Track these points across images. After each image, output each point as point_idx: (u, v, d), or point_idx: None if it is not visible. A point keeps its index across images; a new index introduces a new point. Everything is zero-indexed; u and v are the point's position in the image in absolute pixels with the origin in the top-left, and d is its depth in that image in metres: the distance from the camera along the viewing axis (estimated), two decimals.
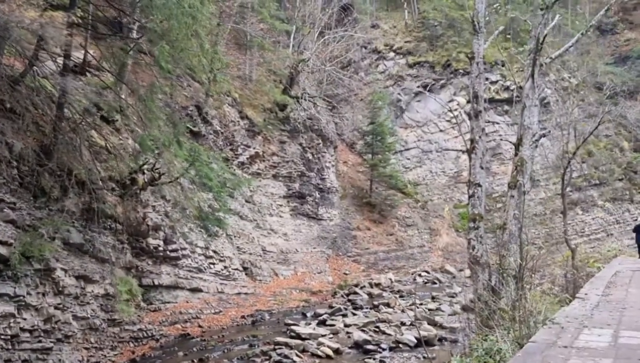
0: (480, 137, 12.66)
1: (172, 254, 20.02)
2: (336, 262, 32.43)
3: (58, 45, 13.44)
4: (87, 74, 19.07)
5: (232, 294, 23.10)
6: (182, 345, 17.55)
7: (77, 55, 19.29)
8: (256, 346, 17.16)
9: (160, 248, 19.35)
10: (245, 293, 23.81)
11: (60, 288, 13.53)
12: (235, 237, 25.37)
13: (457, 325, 17.91)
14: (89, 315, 14.76)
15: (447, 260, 35.59)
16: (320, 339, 16.89)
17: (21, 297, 12.15)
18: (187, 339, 18.31)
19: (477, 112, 12.72)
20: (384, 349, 16.47)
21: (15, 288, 12.07)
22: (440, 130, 42.76)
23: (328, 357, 15.93)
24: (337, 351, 16.31)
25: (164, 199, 19.98)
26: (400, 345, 16.33)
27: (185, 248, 20.89)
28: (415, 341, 16.28)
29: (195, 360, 15.73)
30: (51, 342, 12.91)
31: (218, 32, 22.62)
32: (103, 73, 19.24)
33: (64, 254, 14.23)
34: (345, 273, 31.39)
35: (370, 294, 25.83)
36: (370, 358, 15.63)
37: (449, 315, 20.66)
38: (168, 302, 19.58)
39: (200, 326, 19.56)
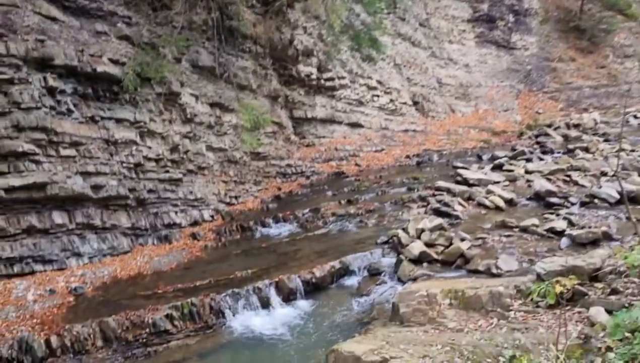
0: None
1: (328, 84, 17.87)
2: (528, 98, 27.77)
3: None
4: None
5: (398, 131, 20.66)
6: (334, 183, 15.96)
7: None
8: (415, 190, 14.84)
9: (314, 77, 17.25)
10: (414, 131, 21.20)
11: (189, 116, 12.26)
12: (405, 66, 22.23)
13: None
14: (226, 147, 13.55)
15: None
16: (491, 187, 13.88)
17: (142, 123, 11.04)
18: (341, 178, 16.68)
19: None
20: (572, 203, 12.94)
21: (135, 113, 10.94)
22: None
23: (497, 208, 12.96)
24: (510, 202, 13.26)
25: (317, 19, 17.39)
26: (596, 201, 12.63)
27: (343, 78, 18.56)
28: (617, 197, 12.46)
29: (343, 201, 14.02)
30: (180, 172, 11.94)
31: None
32: None
33: (194, 78, 12.80)
34: (537, 112, 26.81)
35: (565, 136, 21.42)
36: (552, 213, 12.30)
37: None
38: (323, 137, 17.87)
39: (357, 164, 17.72)
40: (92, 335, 7.99)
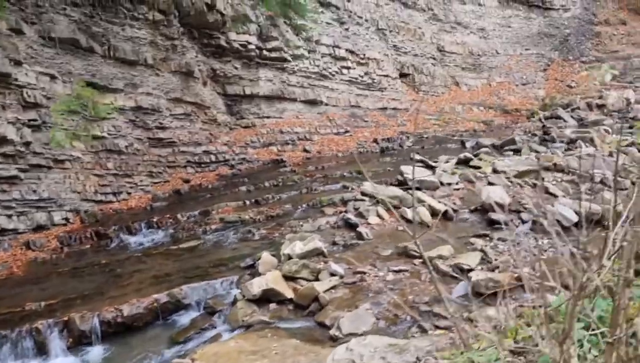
0: None
1: (274, 54, 15.13)
2: (560, 70, 23.55)
3: None
4: None
5: (373, 109, 17.63)
6: (263, 175, 13.46)
7: None
8: (349, 189, 12.14)
9: (252, 47, 14.58)
10: (394, 109, 18.08)
11: (33, 100, 10.08)
12: (392, 32, 18.93)
13: None
14: (104, 134, 11.36)
15: None
16: (422, 194, 10.89)
17: None
18: (278, 167, 14.15)
19: None
20: (523, 222, 9.78)
21: None
22: None
23: (422, 223, 10.07)
24: (445, 215, 10.29)
25: None
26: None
27: (297, 47, 15.72)
28: (575, 219, 9.28)
29: (248, 201, 11.57)
30: (17, 168, 9.88)
31: None
32: None
33: (48, 53, 10.58)
34: (569, 86, 22.68)
35: (580, 120, 17.63)
36: (486, 235, 9.26)
37: None
38: (267, 117, 15.28)
39: (305, 151, 15.06)
40: None
